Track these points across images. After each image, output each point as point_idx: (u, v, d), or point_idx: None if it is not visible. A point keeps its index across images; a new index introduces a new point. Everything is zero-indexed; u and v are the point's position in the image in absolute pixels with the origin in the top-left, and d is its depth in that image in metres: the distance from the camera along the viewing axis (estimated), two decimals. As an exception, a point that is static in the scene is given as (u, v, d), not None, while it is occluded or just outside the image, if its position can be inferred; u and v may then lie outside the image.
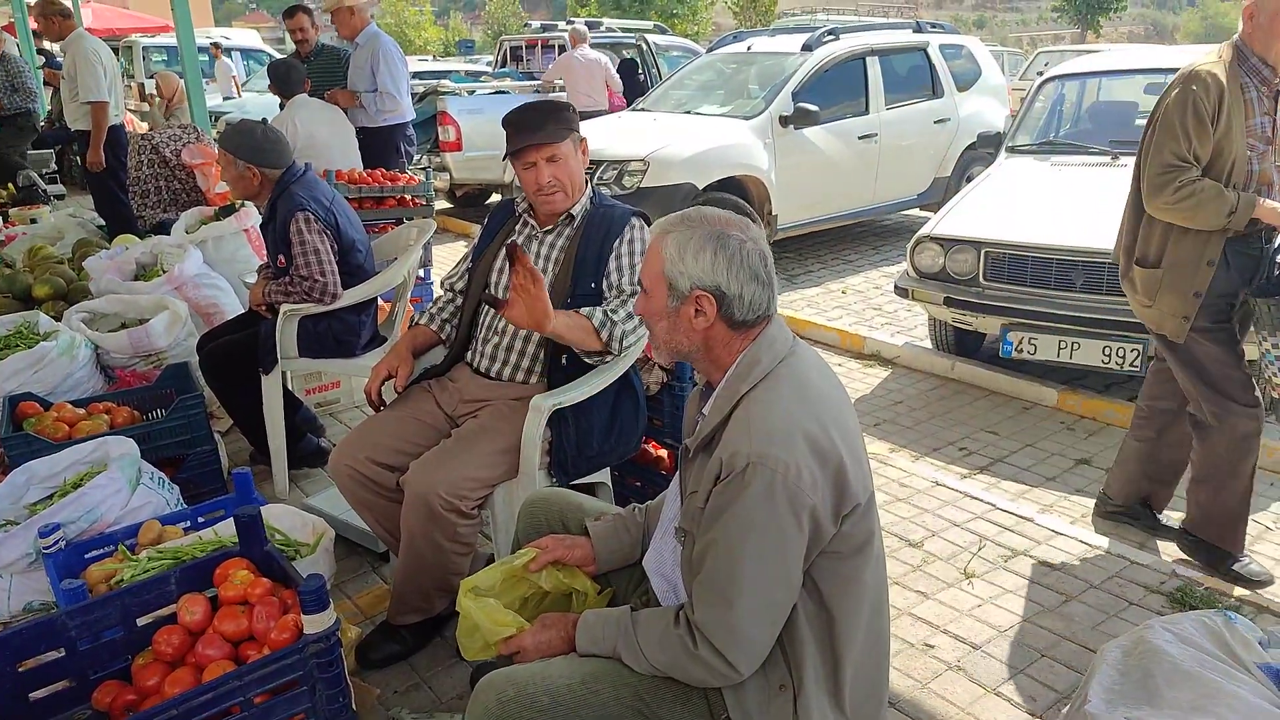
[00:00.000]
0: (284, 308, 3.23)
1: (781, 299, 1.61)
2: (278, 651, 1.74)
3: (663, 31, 14.17)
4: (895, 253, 7.42)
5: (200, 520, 2.47)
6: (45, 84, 10.18)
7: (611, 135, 6.58)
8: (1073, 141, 5.15)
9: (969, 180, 6.60)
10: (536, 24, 13.24)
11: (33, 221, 6.15)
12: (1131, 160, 4.57)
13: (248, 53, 15.47)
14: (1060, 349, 3.99)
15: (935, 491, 3.43)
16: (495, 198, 9.36)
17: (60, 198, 8.79)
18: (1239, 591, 2.77)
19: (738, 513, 1.45)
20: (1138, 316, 2.90)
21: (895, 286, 4.64)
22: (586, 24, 10.95)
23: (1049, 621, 2.64)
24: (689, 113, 7.14)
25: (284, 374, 3.34)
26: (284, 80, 5.53)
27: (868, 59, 7.07)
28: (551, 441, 2.40)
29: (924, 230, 4.46)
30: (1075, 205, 4.33)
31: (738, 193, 6.14)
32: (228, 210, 4.79)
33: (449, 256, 7.19)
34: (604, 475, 2.61)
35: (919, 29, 7.84)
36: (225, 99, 12.53)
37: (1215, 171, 2.62)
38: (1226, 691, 1.46)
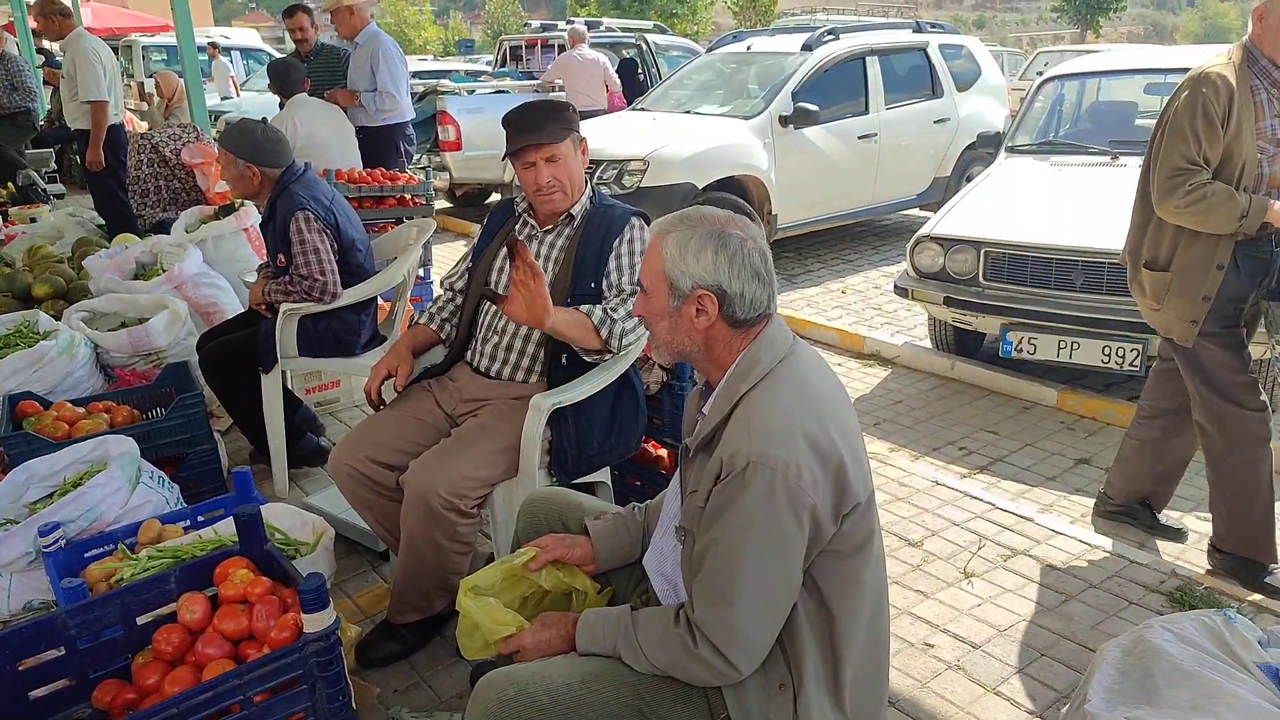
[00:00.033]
0: (284, 307, 3.23)
1: (781, 299, 1.61)
2: (277, 650, 1.74)
3: (662, 31, 14.17)
4: (895, 252, 7.42)
5: (200, 519, 2.47)
6: (45, 83, 10.18)
7: (611, 135, 6.58)
8: (1072, 141, 5.15)
9: (969, 180, 6.60)
10: (536, 24, 13.24)
11: (32, 220, 6.15)
12: (1131, 160, 4.65)
13: (247, 52, 15.47)
14: (1060, 349, 3.99)
15: (935, 491, 3.43)
16: (495, 197, 9.36)
17: (60, 197, 8.79)
18: (1239, 592, 2.77)
19: (738, 512, 1.45)
20: (1146, 320, 2.88)
21: (895, 286, 4.64)
22: (586, 24, 10.95)
23: (1048, 621, 2.64)
24: (689, 112, 7.14)
25: (284, 373, 3.34)
26: (284, 79, 5.53)
27: (867, 59, 7.07)
28: (551, 441, 2.40)
29: (924, 230, 4.46)
30: (1075, 205, 4.33)
31: (737, 192, 6.14)
32: (227, 209, 4.79)
33: (449, 256, 7.19)
34: (604, 474, 2.61)
35: (919, 29, 7.84)
36: (223, 99, 12.52)
37: (1225, 175, 2.59)
38: (1226, 691, 1.46)
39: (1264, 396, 2.73)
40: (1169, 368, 2.92)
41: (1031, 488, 3.56)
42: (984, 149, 7.47)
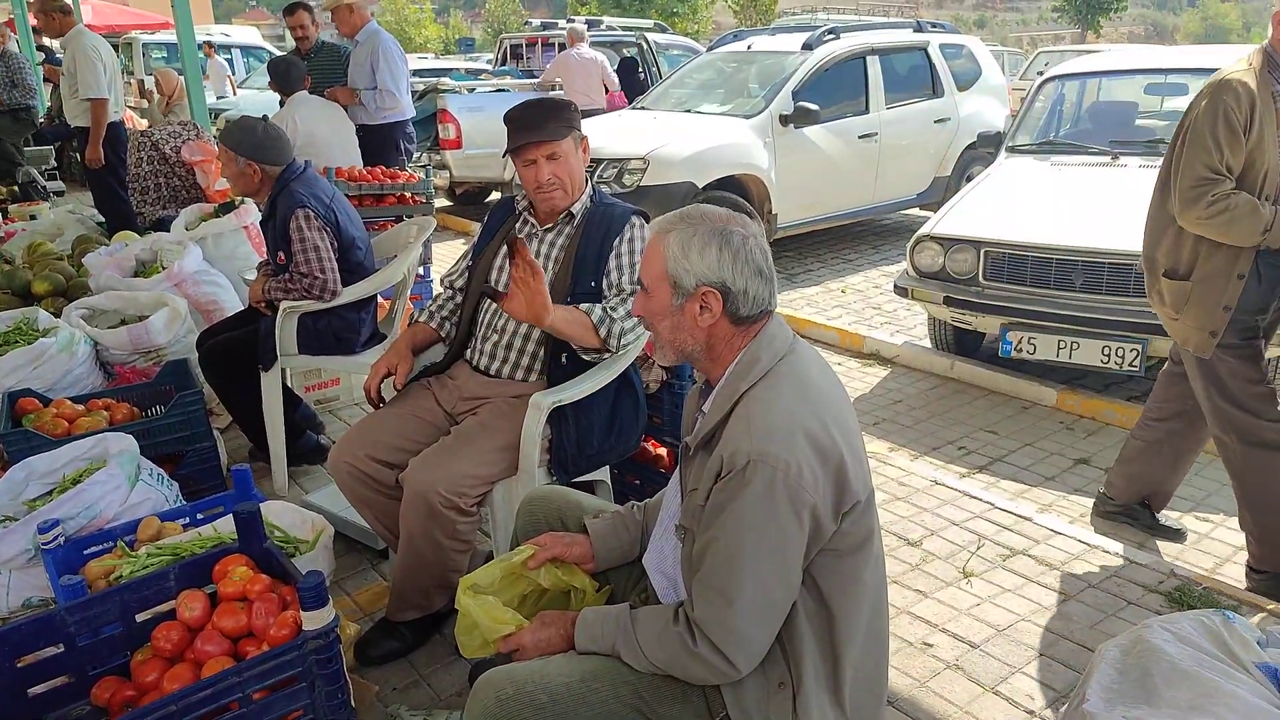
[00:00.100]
0: (284, 305, 3.23)
1: (781, 298, 1.62)
2: (277, 648, 1.74)
3: (663, 30, 14.16)
4: (895, 252, 7.42)
5: (199, 517, 2.47)
6: (45, 80, 10.18)
7: (611, 134, 6.58)
8: (1073, 141, 5.15)
9: (969, 180, 6.60)
10: (536, 22, 13.23)
11: (32, 218, 6.15)
12: (1131, 160, 4.66)
13: (247, 50, 15.46)
14: (1059, 349, 3.99)
15: (934, 490, 3.43)
16: (495, 196, 9.36)
17: (60, 194, 8.80)
18: (1237, 592, 2.77)
19: (738, 510, 1.45)
20: (1165, 330, 2.83)
21: (895, 286, 4.65)
22: (587, 22, 10.94)
23: (1047, 620, 2.64)
24: (689, 111, 7.14)
25: (283, 371, 3.33)
26: (284, 77, 5.53)
27: (868, 58, 7.07)
28: (551, 439, 2.40)
29: (924, 230, 4.47)
30: (1075, 205, 4.33)
31: (738, 191, 6.13)
32: (227, 207, 4.79)
33: (449, 254, 7.19)
34: (603, 473, 2.61)
35: (919, 28, 7.84)
36: (218, 98, 12.50)
37: (1248, 183, 2.54)
38: (1225, 691, 1.46)
39: None
40: (1178, 371, 2.89)
41: (1031, 487, 3.56)
42: (984, 149, 7.49)
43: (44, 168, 9.29)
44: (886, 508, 3.28)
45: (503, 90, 9.23)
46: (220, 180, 5.49)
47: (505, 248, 2.50)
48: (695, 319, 1.58)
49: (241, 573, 1.96)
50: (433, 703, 2.31)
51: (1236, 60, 2.64)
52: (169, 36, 13.58)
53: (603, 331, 2.30)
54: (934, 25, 8.17)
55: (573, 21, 10.97)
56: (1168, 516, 3.19)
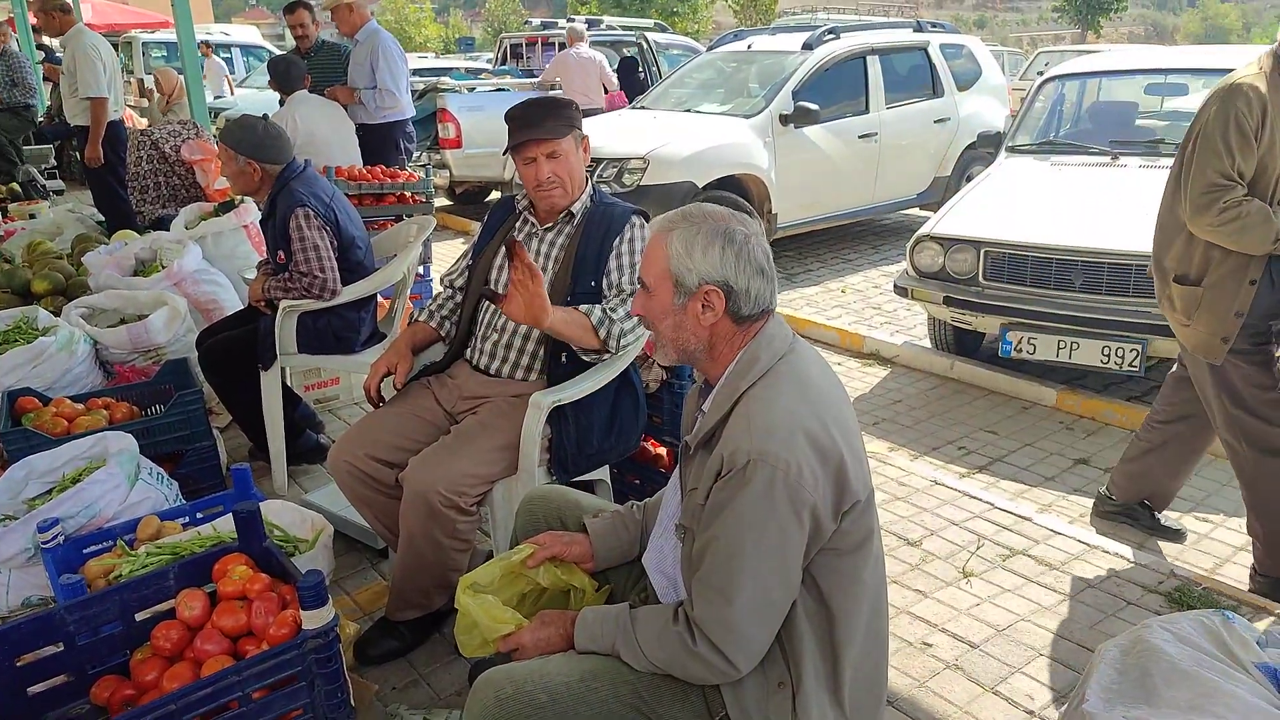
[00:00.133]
0: (283, 304, 3.23)
1: (781, 298, 1.62)
2: (276, 647, 1.74)
3: (663, 30, 14.17)
4: (895, 252, 7.42)
5: (199, 516, 2.47)
6: (45, 79, 10.18)
7: (611, 133, 6.58)
8: (1073, 141, 5.15)
9: (969, 180, 6.60)
10: (536, 22, 13.24)
11: (32, 217, 6.14)
12: (1131, 160, 4.65)
13: (247, 49, 15.45)
14: (1059, 349, 3.99)
15: (934, 490, 3.43)
16: (495, 195, 9.36)
17: (59, 193, 8.80)
18: (1237, 592, 2.77)
19: (738, 510, 1.45)
20: (1176, 336, 2.79)
21: (895, 286, 4.65)
22: (587, 22, 10.95)
23: (1047, 620, 2.64)
24: (689, 111, 7.14)
25: (283, 370, 3.33)
26: (284, 76, 5.52)
27: (868, 58, 7.07)
28: (551, 439, 2.40)
29: (924, 229, 4.47)
30: (1075, 205, 4.33)
31: (738, 191, 6.13)
32: (227, 206, 4.79)
33: (448, 254, 7.19)
34: (603, 473, 2.61)
35: (919, 28, 7.84)
36: (216, 98, 12.49)
37: (1260, 189, 2.51)
38: (1224, 691, 1.46)
39: None
40: (1184, 375, 2.87)
41: (1030, 487, 3.56)
42: (984, 149, 7.50)
43: (44, 166, 9.29)
44: (886, 507, 3.28)
45: (502, 90, 9.23)
46: (220, 179, 5.48)
47: (504, 250, 2.50)
48: (697, 318, 1.58)
49: (241, 572, 1.95)
50: (432, 702, 2.31)
51: (1246, 64, 2.60)
52: (169, 35, 13.57)
53: (602, 333, 2.30)
54: (934, 25, 8.17)
55: (572, 21, 10.98)
56: (1167, 517, 3.19)
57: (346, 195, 3.60)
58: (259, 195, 3.38)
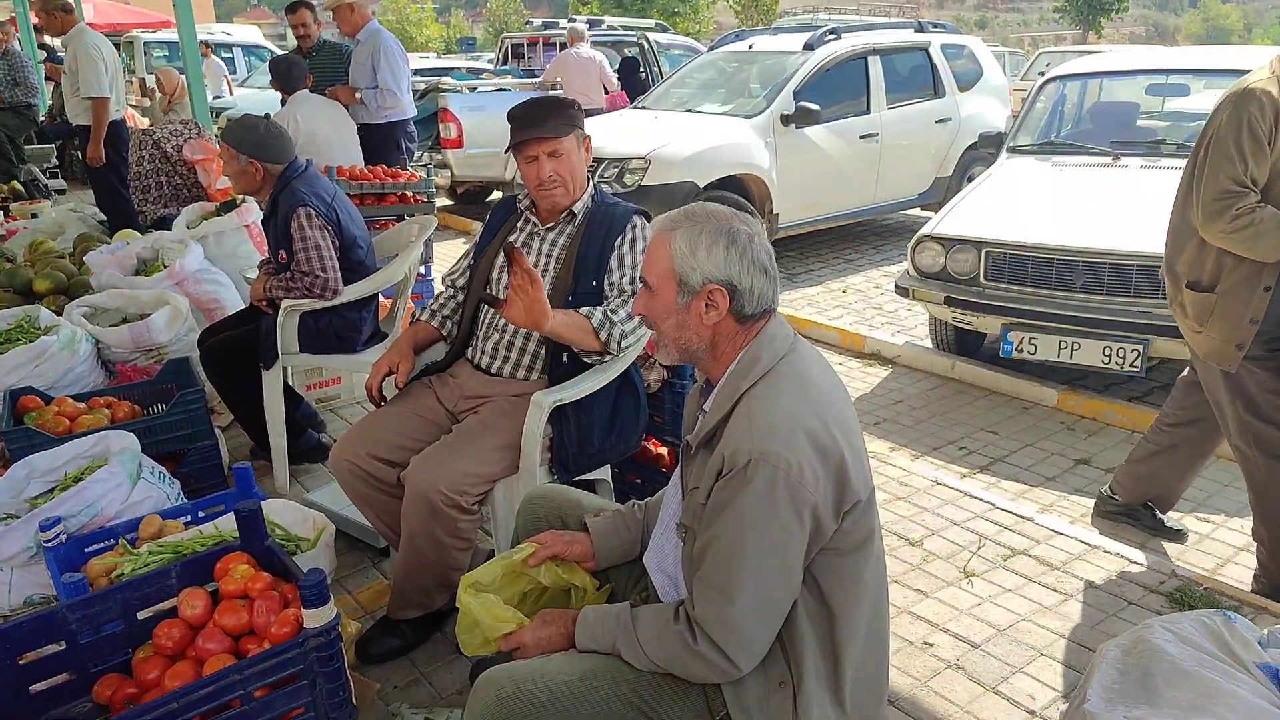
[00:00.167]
0: (285, 303, 3.23)
1: (782, 298, 1.61)
2: (278, 646, 1.74)
3: (664, 30, 14.17)
4: (896, 252, 7.42)
5: (201, 515, 2.47)
6: (46, 79, 10.19)
7: (613, 133, 6.58)
8: (1074, 142, 5.15)
9: (970, 180, 6.60)
10: (538, 22, 13.24)
11: (34, 216, 6.15)
12: (1133, 161, 4.65)
13: (249, 49, 15.45)
14: (1060, 349, 3.99)
15: (935, 490, 3.43)
16: (496, 195, 9.36)
17: (61, 192, 8.81)
18: (1239, 593, 2.77)
19: (739, 509, 1.45)
20: (1188, 343, 2.75)
21: (896, 286, 4.64)
22: (589, 22, 10.95)
23: (1048, 620, 2.64)
24: (690, 111, 7.14)
25: (285, 369, 3.34)
26: (286, 76, 5.53)
27: (869, 58, 7.07)
28: (552, 438, 2.40)
29: (925, 230, 4.46)
30: (1076, 206, 4.33)
31: (739, 191, 6.13)
32: (229, 206, 4.80)
33: (450, 253, 7.20)
34: (604, 472, 2.61)
35: (921, 29, 7.84)
36: (215, 98, 12.48)
37: (1273, 195, 2.46)
38: (1226, 691, 1.46)
39: None
40: (1195, 379, 2.85)
41: (1031, 488, 3.56)
42: (985, 149, 7.51)
43: (45, 166, 9.31)
44: (887, 507, 3.28)
45: (504, 90, 9.23)
46: (221, 179, 5.49)
47: (503, 255, 2.50)
48: (700, 317, 1.58)
49: (243, 571, 1.96)
50: (434, 701, 2.31)
51: (1257, 68, 2.57)
52: (170, 35, 13.56)
53: (603, 335, 2.30)
54: (935, 25, 8.17)
55: (573, 21, 10.98)
56: (1169, 517, 3.18)
57: (348, 195, 3.60)
58: (261, 195, 3.38)
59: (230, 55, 14.77)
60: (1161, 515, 3.16)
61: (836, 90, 6.85)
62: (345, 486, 2.47)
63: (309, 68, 5.76)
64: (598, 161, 6.03)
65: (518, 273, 2.09)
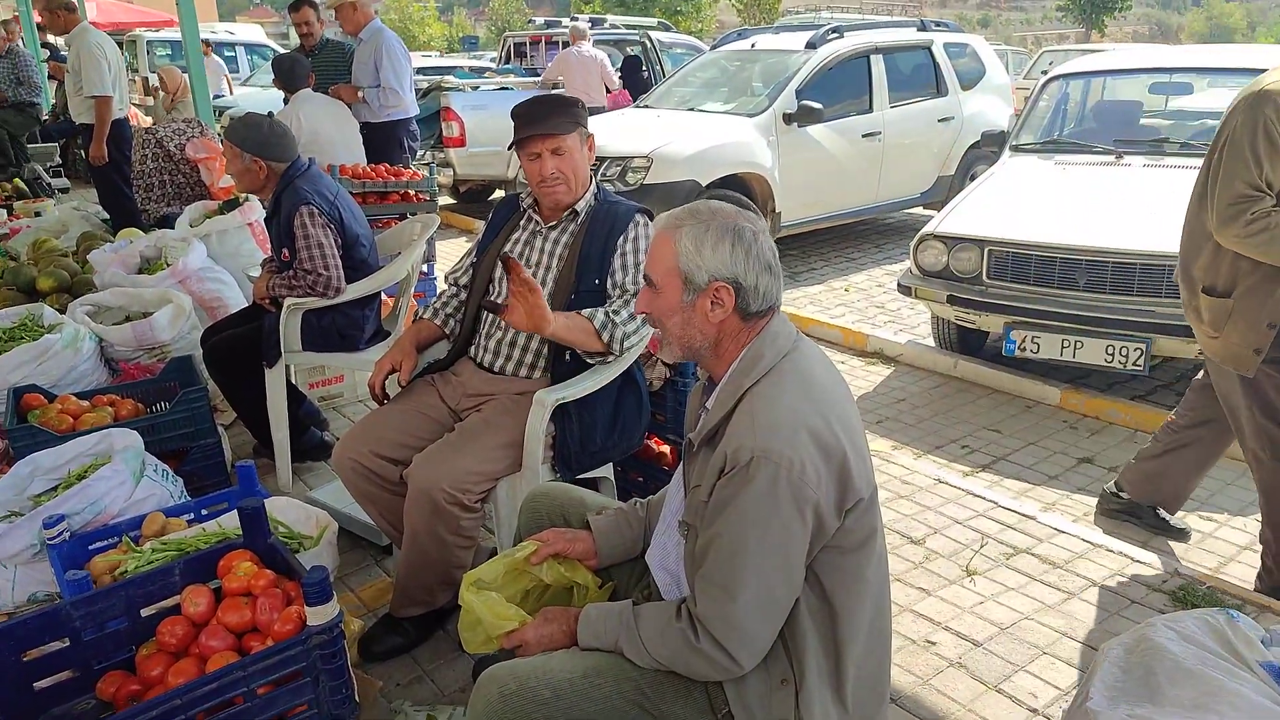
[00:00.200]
0: (288, 301, 3.24)
1: (785, 296, 1.62)
2: (281, 643, 1.74)
3: (667, 29, 14.16)
4: (898, 251, 7.42)
5: (204, 513, 2.48)
6: (50, 77, 10.20)
7: (615, 132, 6.58)
8: (1077, 140, 5.14)
9: (973, 179, 6.59)
10: (540, 20, 13.25)
11: (37, 215, 6.16)
12: (1135, 159, 4.65)
13: (251, 48, 15.46)
14: (1063, 348, 3.99)
15: (937, 489, 3.43)
16: (499, 194, 9.37)
17: (64, 191, 8.82)
18: (1242, 591, 2.77)
19: (741, 507, 1.45)
20: (1203, 349, 2.71)
21: (898, 284, 4.64)
22: (591, 20, 10.95)
23: (1050, 619, 2.64)
24: (692, 110, 7.14)
25: (288, 368, 3.34)
26: (288, 75, 5.53)
27: (872, 57, 7.06)
28: (555, 436, 2.40)
29: (927, 228, 4.46)
30: (1079, 204, 4.33)
31: (741, 190, 6.13)
32: (232, 204, 4.80)
33: (452, 252, 7.20)
34: (607, 470, 2.62)
35: (923, 27, 7.83)
36: (215, 96, 12.45)
37: None
38: (1228, 689, 1.46)
39: None
40: (1209, 382, 2.83)
41: (1034, 486, 3.56)
42: (988, 148, 7.47)
43: (49, 165, 9.32)
44: (890, 506, 3.28)
45: (506, 88, 9.24)
46: (224, 177, 5.50)
47: (501, 264, 2.50)
48: (706, 315, 1.58)
49: (246, 568, 1.96)
50: (436, 698, 2.32)
51: (1273, 68, 2.53)
52: (173, 34, 13.58)
53: (605, 336, 2.31)
54: (938, 24, 8.16)
55: (576, 20, 10.98)
56: (1172, 515, 3.18)
57: (351, 193, 3.61)
58: (264, 193, 3.39)
59: (233, 54, 14.77)
60: (1166, 515, 3.15)
61: (839, 89, 6.85)
62: (348, 484, 2.47)
63: (312, 66, 5.76)
64: (600, 160, 6.02)
65: (516, 280, 2.10)
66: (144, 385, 3.35)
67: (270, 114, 3.43)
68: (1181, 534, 3.15)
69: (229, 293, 4.19)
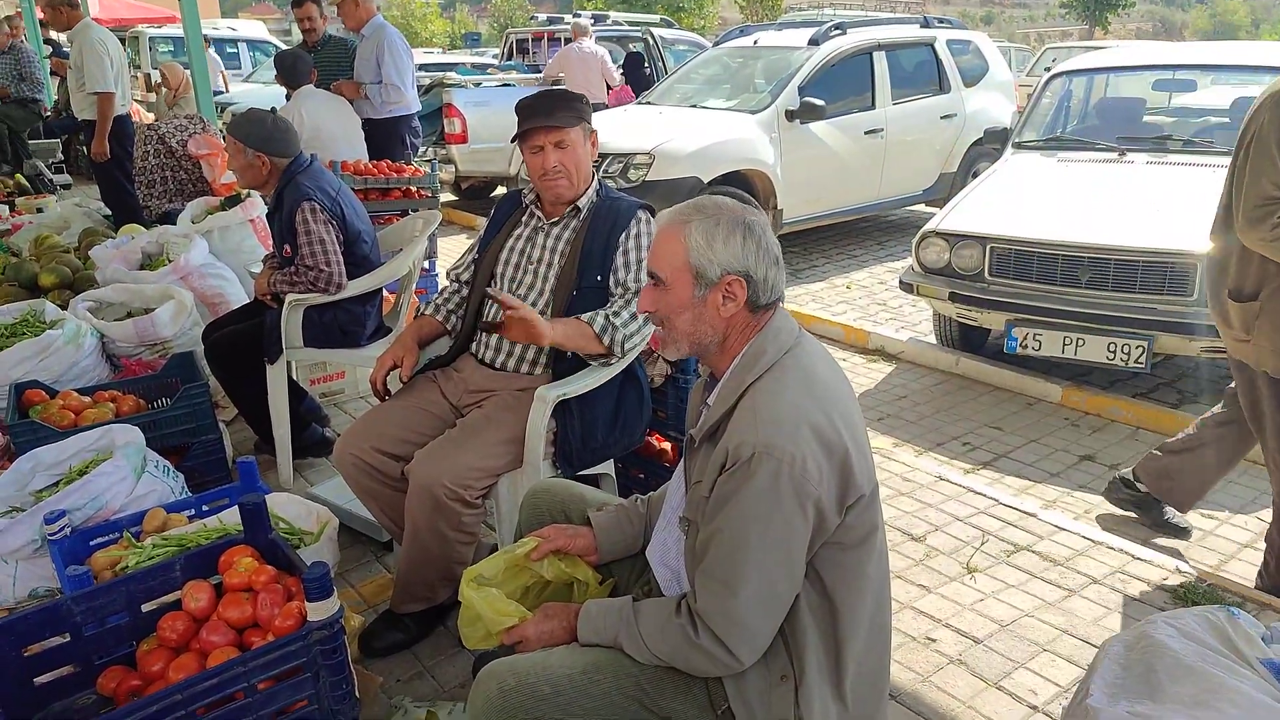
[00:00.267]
0: (289, 298, 3.24)
1: (786, 293, 1.62)
2: (282, 638, 1.74)
3: (669, 25, 14.13)
4: (900, 248, 7.41)
5: (205, 508, 2.48)
6: (52, 74, 10.20)
7: (617, 128, 6.57)
8: (1080, 138, 5.14)
9: (975, 176, 6.58)
10: (543, 17, 13.24)
11: (39, 211, 6.16)
12: (1138, 157, 4.64)
13: (254, 44, 15.45)
14: (1065, 345, 3.98)
15: (938, 486, 3.43)
16: (500, 190, 9.37)
17: (66, 187, 8.84)
18: (1243, 589, 2.76)
19: (742, 502, 1.45)
20: (1230, 352, 2.65)
21: (900, 282, 4.64)
22: (594, 17, 10.94)
23: (1051, 616, 2.64)
24: (695, 106, 7.13)
25: (289, 364, 3.34)
26: (291, 71, 5.52)
27: (874, 54, 7.05)
28: (556, 432, 2.40)
29: (929, 225, 4.46)
30: (1082, 201, 4.32)
31: (743, 187, 6.13)
32: (233, 200, 4.80)
33: (454, 248, 7.20)
34: (608, 467, 2.62)
35: (926, 24, 7.82)
36: (215, 93, 12.40)
37: None
38: (1229, 686, 1.46)
39: None
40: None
41: (1035, 484, 3.56)
42: (991, 145, 7.49)
43: (51, 161, 9.33)
44: (890, 503, 3.28)
45: (508, 85, 9.23)
46: (226, 173, 5.50)
47: (491, 287, 2.55)
48: (718, 309, 1.58)
49: (247, 564, 1.96)
50: (436, 694, 2.32)
51: None
52: (176, 30, 13.58)
53: (606, 339, 2.32)
54: (941, 21, 8.13)
55: (578, 16, 10.98)
56: (1172, 513, 3.17)
57: (352, 190, 3.61)
58: (266, 189, 3.39)
59: (235, 50, 14.75)
60: (1171, 512, 3.14)
61: (841, 86, 6.84)
62: (349, 480, 2.48)
63: (314, 62, 5.75)
64: (602, 157, 6.02)
65: (505, 309, 2.19)
66: (145, 381, 3.36)
67: (273, 109, 3.42)
68: (1182, 531, 3.14)
69: (230, 289, 4.19)
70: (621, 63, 10.55)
